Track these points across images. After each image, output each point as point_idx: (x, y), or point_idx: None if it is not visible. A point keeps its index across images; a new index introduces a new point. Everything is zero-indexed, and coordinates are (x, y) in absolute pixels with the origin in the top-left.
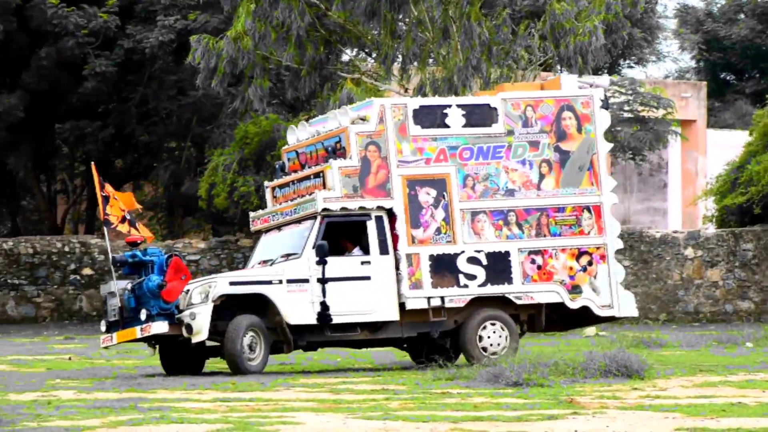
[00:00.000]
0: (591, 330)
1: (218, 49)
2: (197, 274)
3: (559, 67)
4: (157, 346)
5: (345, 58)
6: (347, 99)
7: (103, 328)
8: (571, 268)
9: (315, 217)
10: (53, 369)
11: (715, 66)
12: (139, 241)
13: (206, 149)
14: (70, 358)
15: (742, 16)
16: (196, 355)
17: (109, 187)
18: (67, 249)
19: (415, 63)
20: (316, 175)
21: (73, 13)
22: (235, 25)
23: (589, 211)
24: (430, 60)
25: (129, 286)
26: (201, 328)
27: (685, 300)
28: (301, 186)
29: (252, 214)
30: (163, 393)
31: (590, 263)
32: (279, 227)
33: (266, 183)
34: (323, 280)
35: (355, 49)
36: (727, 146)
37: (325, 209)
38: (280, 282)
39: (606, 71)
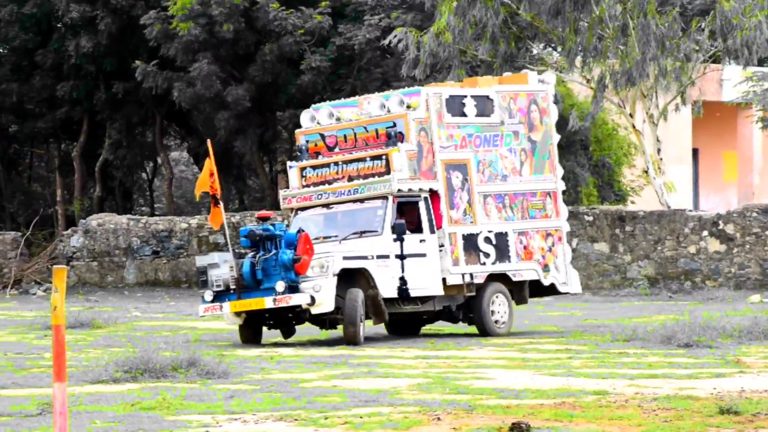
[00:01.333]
0: (755, 297)
1: (423, 42)
2: None
3: (726, 59)
4: (243, 315)
5: (533, 52)
6: None
7: (209, 297)
8: (542, 248)
9: (386, 197)
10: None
11: None
12: (270, 216)
13: None
14: None
15: None
16: (284, 324)
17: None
18: (287, 222)
19: (596, 57)
20: (376, 157)
21: (292, 15)
22: (438, 22)
23: (550, 196)
24: (610, 54)
25: (253, 258)
26: (324, 300)
27: None
28: (351, 167)
29: (285, 192)
30: (371, 350)
31: (553, 244)
32: (326, 205)
33: (291, 163)
34: (402, 257)
35: (542, 44)
36: None
37: (399, 190)
38: (373, 257)
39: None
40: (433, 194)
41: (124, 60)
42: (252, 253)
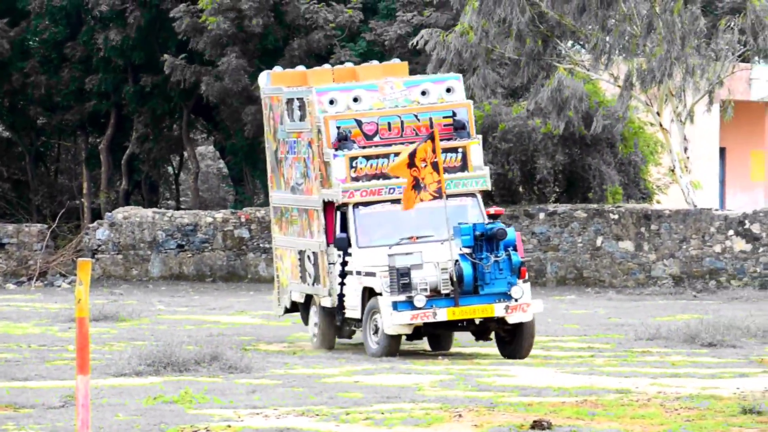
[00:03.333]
0: None
1: (447, 42)
2: None
3: (756, 58)
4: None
5: (560, 50)
6: (558, 84)
7: (422, 302)
8: None
9: (474, 195)
10: (299, 323)
11: None
12: (501, 214)
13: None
14: None
15: None
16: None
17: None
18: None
19: (623, 55)
20: (449, 149)
21: (323, 9)
22: (462, 22)
23: None
24: (638, 51)
25: (477, 259)
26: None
27: None
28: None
29: (346, 185)
30: None
31: None
32: (393, 201)
33: (336, 152)
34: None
35: (570, 42)
36: None
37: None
38: None
39: None
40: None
41: (152, 53)
42: (471, 254)
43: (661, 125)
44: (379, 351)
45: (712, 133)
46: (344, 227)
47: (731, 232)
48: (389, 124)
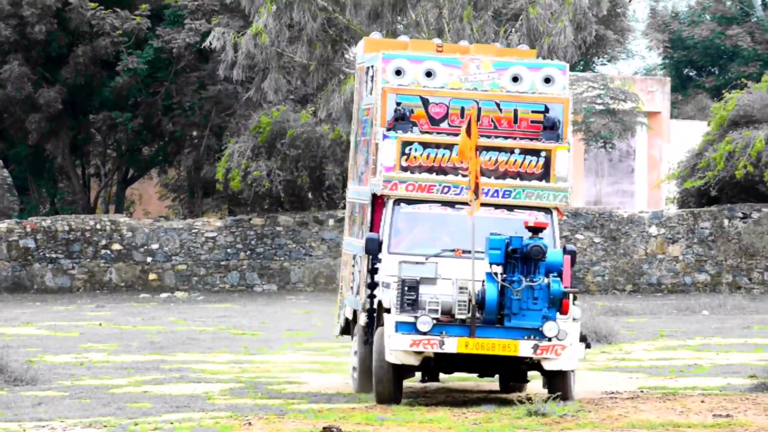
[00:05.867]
0: None
1: (241, 44)
2: (214, 250)
3: None
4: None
5: (350, 56)
6: (350, 94)
7: (426, 326)
8: None
9: (550, 211)
10: (86, 334)
11: (678, 63)
12: (544, 227)
13: (224, 138)
14: (100, 324)
15: (705, 18)
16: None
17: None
18: (98, 226)
19: None
20: (530, 151)
21: (110, 16)
22: (256, 23)
23: None
24: None
25: (507, 281)
26: (573, 353)
27: (648, 273)
28: (486, 157)
29: (390, 174)
30: (183, 356)
31: None
32: (451, 204)
33: (387, 133)
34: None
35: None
36: (688, 135)
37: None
38: None
39: (580, 69)
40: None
41: None
42: (500, 274)
43: None
44: (375, 388)
45: None
46: (378, 226)
47: None
48: (462, 109)
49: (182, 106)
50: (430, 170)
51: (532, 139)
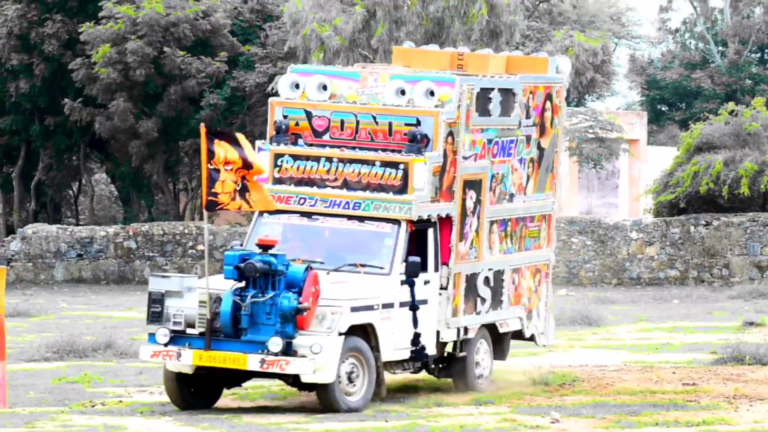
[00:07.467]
0: (563, 291)
1: None
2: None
3: None
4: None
5: None
6: None
7: (164, 338)
8: (530, 288)
9: (399, 223)
10: None
11: (653, 100)
12: (273, 244)
13: None
14: None
15: (674, 64)
16: (211, 384)
17: (224, 155)
18: (186, 231)
19: None
20: (390, 164)
21: (195, 61)
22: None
23: (546, 220)
24: None
25: (239, 296)
26: (324, 366)
27: (630, 269)
28: (350, 169)
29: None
30: None
31: (539, 282)
32: (308, 215)
33: (262, 144)
34: (414, 306)
35: None
36: (661, 159)
37: (419, 216)
38: (378, 307)
39: (575, 104)
40: (443, 219)
41: (55, 98)
42: (234, 288)
43: None
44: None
45: None
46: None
47: None
48: (342, 122)
49: (254, 134)
50: (299, 182)
51: (395, 151)
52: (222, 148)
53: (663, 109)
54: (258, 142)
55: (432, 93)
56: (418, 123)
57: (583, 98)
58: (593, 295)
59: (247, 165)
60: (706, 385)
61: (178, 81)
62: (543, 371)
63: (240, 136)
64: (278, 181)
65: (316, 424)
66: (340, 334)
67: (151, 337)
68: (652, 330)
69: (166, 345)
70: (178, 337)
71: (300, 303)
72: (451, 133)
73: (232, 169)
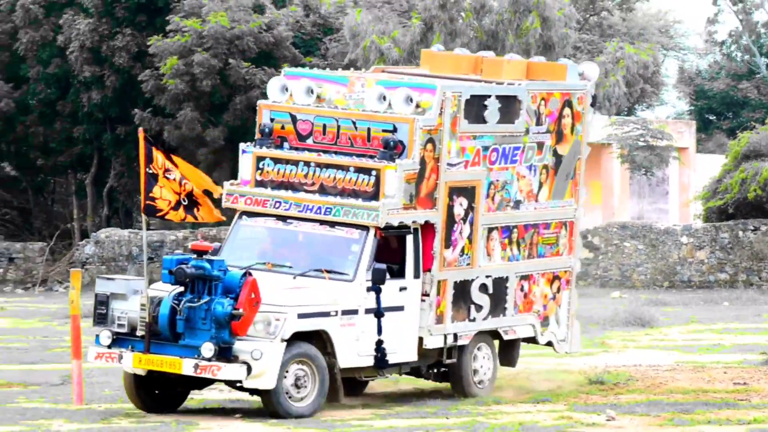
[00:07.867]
0: (615, 293)
1: None
2: None
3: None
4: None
5: None
6: None
7: (107, 340)
8: (545, 296)
9: (367, 229)
10: None
11: (701, 110)
12: (208, 250)
13: None
14: None
15: (721, 75)
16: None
17: (162, 161)
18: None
19: None
20: (363, 170)
21: (259, 72)
22: None
23: (566, 227)
24: None
25: (175, 301)
26: (265, 371)
27: (681, 273)
28: (326, 173)
29: (231, 188)
30: None
31: (559, 289)
32: (283, 218)
33: (245, 146)
34: (379, 313)
35: None
36: (709, 166)
37: (387, 224)
38: (336, 314)
39: (626, 114)
40: (427, 226)
41: (125, 108)
42: (174, 292)
43: None
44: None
45: None
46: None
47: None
48: (324, 126)
49: None
50: (279, 185)
51: (370, 157)
52: (161, 155)
53: (711, 118)
54: (242, 145)
55: (411, 99)
56: (395, 129)
57: (633, 108)
58: (645, 298)
59: (184, 185)
60: (757, 385)
61: (242, 91)
62: (598, 371)
63: (177, 159)
64: (259, 183)
65: (380, 421)
66: (284, 340)
67: (97, 338)
68: (703, 331)
69: (109, 347)
70: (122, 340)
71: (235, 309)
72: (431, 140)
73: (175, 180)
